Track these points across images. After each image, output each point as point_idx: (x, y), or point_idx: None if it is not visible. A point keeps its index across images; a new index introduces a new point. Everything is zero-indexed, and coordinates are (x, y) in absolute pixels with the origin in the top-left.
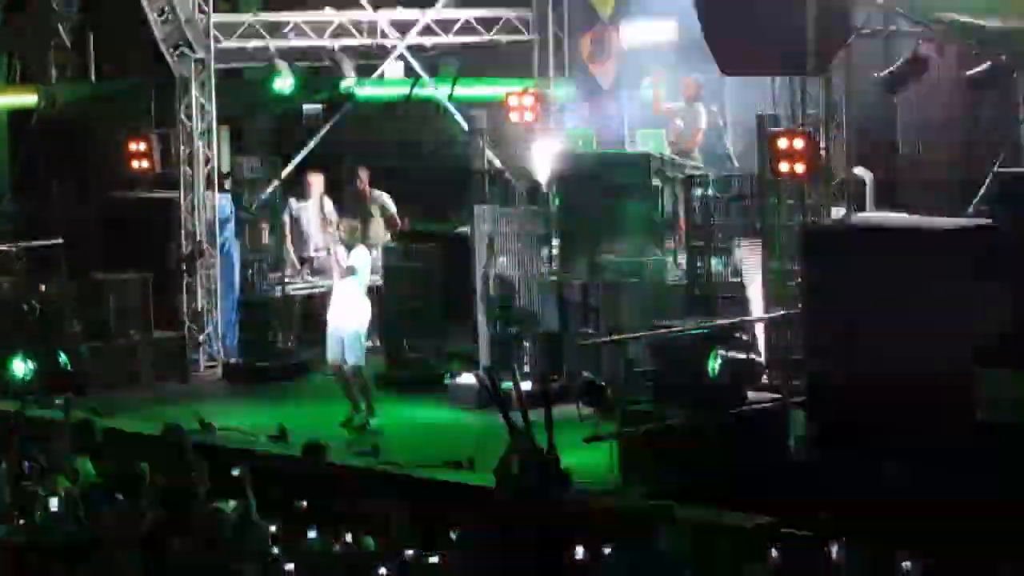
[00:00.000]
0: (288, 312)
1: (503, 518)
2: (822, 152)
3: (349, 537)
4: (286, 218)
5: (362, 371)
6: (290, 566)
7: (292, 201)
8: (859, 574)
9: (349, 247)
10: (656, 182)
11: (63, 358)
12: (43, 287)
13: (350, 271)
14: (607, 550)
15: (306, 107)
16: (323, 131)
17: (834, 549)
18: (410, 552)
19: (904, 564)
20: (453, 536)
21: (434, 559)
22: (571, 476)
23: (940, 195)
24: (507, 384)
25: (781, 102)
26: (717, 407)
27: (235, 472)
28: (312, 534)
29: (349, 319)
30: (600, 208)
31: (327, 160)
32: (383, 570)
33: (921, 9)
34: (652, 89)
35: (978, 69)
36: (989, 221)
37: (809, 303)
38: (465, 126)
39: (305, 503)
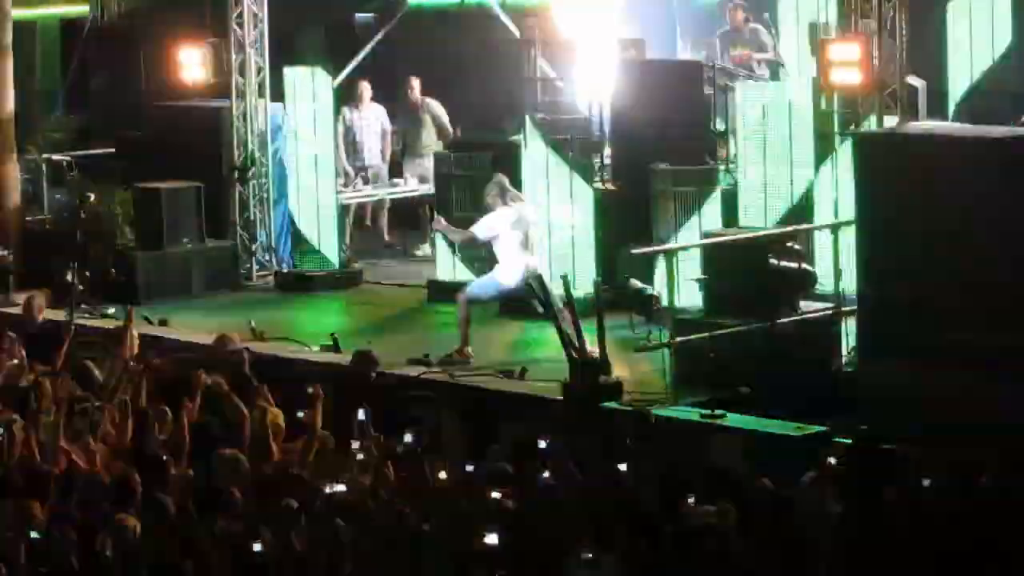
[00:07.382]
0: (341, 222)
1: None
2: (874, 60)
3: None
4: (340, 128)
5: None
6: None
7: (345, 110)
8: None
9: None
10: (708, 90)
11: (116, 268)
12: (96, 197)
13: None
14: None
15: (358, 16)
16: (374, 40)
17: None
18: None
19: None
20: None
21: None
22: (622, 385)
23: (990, 105)
24: (559, 293)
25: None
26: (769, 316)
27: (309, 390)
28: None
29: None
30: (651, 117)
31: (378, 70)
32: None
33: None
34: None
35: None
36: None
37: (862, 212)
38: (517, 34)
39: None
